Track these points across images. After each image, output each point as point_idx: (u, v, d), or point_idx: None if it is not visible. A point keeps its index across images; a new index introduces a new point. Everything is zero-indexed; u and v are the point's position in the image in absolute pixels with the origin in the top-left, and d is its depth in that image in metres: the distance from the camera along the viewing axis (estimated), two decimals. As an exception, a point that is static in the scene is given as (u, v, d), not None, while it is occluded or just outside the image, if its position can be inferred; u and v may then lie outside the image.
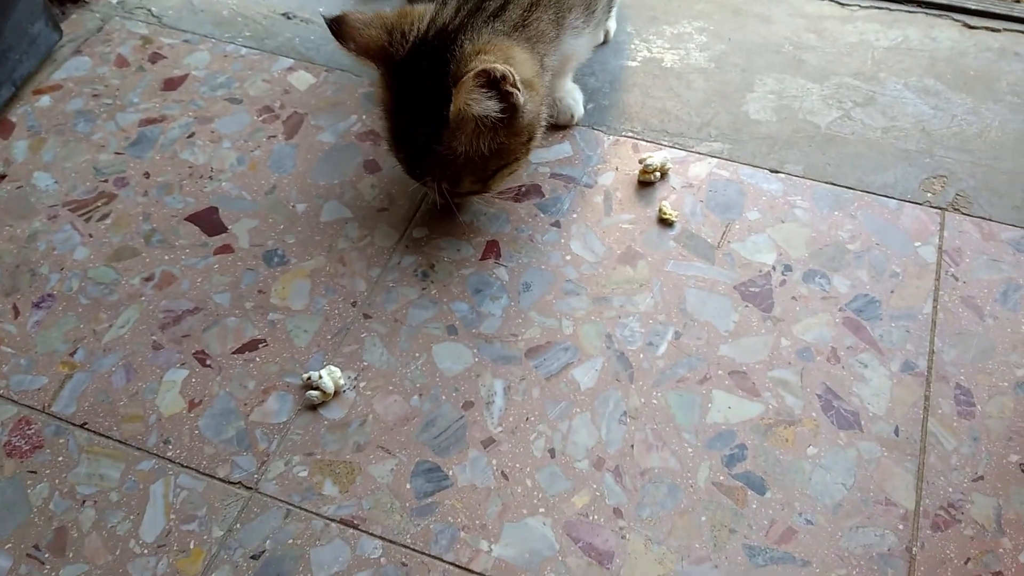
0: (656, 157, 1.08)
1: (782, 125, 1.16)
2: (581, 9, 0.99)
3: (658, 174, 1.07)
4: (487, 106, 0.85)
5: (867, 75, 1.23)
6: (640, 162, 1.08)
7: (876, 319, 0.94)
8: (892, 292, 0.97)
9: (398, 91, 0.91)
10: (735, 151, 1.12)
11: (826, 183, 1.08)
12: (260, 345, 0.95)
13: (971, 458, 0.85)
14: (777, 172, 1.09)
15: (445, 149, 0.89)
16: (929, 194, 1.06)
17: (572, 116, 1.14)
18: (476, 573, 0.79)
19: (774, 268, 0.99)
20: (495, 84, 0.84)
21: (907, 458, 0.85)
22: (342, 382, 0.90)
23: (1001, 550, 0.80)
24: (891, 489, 0.83)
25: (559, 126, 1.14)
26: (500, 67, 0.83)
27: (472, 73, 0.82)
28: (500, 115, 0.86)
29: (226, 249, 1.03)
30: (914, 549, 0.80)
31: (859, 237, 1.02)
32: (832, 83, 1.22)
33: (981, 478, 0.83)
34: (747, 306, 0.96)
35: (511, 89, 0.85)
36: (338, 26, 0.88)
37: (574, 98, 1.14)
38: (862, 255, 1.00)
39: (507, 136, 0.90)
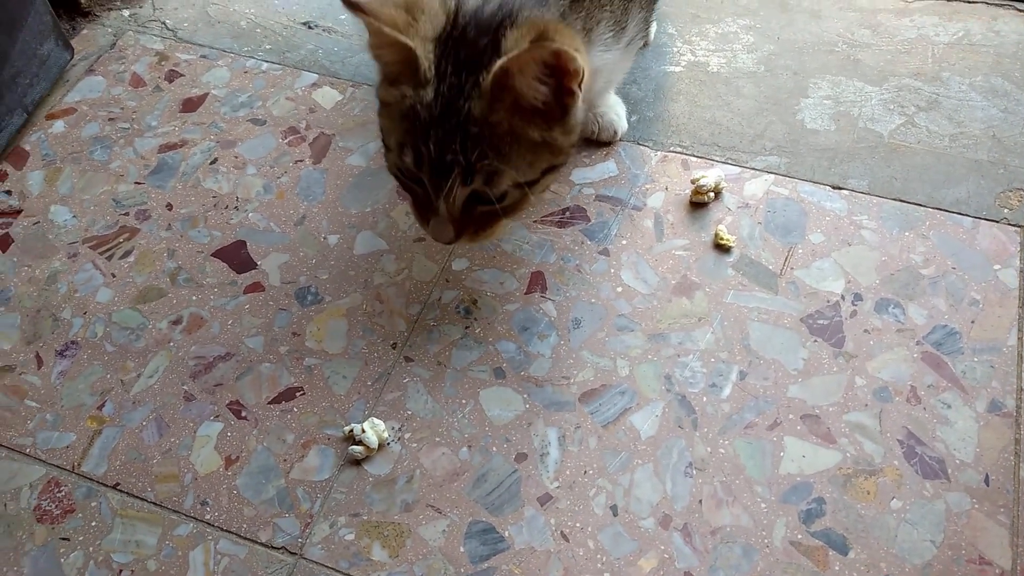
0: (709, 175, 1.01)
1: (841, 135, 1.08)
2: (610, 24, 0.89)
3: (712, 194, 1.00)
4: (535, 87, 0.74)
5: (929, 75, 1.15)
6: (692, 182, 1.01)
7: (957, 353, 0.88)
8: (973, 322, 0.90)
9: (436, 70, 0.76)
10: (793, 166, 1.05)
11: (894, 200, 1.00)
12: (297, 394, 0.89)
13: (1069, 509, 0.78)
14: (840, 188, 1.02)
15: (486, 128, 0.75)
16: (1006, 210, 0.99)
17: (615, 132, 1.07)
18: (540, 647, 0.74)
19: (843, 297, 0.92)
20: (556, 71, 0.73)
21: (1000, 510, 0.79)
22: (386, 435, 0.85)
23: (1106, 611, 0.74)
24: (984, 546, 0.77)
25: (601, 143, 1.07)
26: (579, 60, 0.72)
27: (551, 45, 0.70)
28: (541, 104, 0.76)
29: (256, 287, 0.98)
30: (1010, 611, 0.74)
31: (933, 260, 0.95)
32: (892, 85, 1.14)
33: (1081, 531, 0.77)
34: (816, 341, 0.89)
35: (575, 88, 0.75)
36: (358, 3, 0.75)
37: (617, 112, 1.07)
38: (938, 281, 0.93)
39: (562, 133, 0.79)
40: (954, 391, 0.85)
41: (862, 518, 0.79)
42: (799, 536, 0.78)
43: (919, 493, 0.80)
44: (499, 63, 0.72)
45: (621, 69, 1.00)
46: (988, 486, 0.80)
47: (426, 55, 0.76)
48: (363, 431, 0.84)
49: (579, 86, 0.75)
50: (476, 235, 0.83)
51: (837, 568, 0.76)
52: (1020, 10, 1.25)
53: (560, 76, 0.74)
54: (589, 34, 0.85)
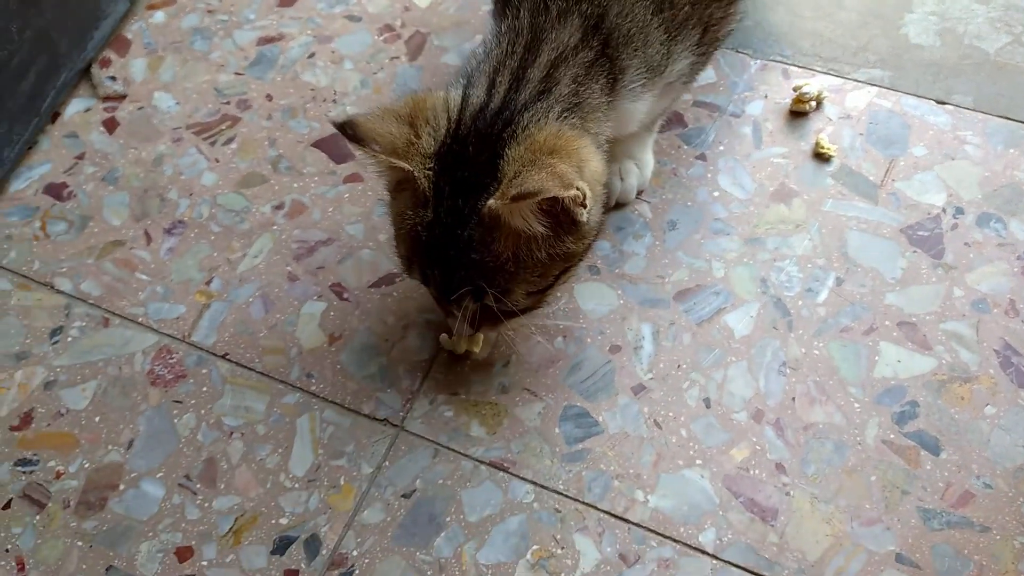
0: (812, 84, 1.00)
1: (946, 50, 1.06)
2: (640, 70, 0.79)
3: (814, 103, 0.99)
4: (533, 227, 0.69)
5: (1040, -6, 1.11)
6: (794, 89, 1.00)
7: (1060, 269, 0.87)
8: (1077, 240, 0.89)
9: (435, 190, 0.72)
10: (896, 79, 1.03)
11: (999, 117, 0.99)
12: (397, 280, 0.92)
13: None
14: (944, 103, 1.00)
15: (488, 255, 0.71)
16: (1118, 131, 0.97)
17: (611, 199, 0.93)
18: (633, 523, 0.77)
19: (944, 210, 0.92)
20: (556, 204, 0.68)
21: (1095, 421, 0.79)
22: (477, 345, 0.85)
23: None
24: (1077, 454, 0.78)
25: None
26: (572, 193, 0.66)
27: (534, 199, 0.66)
28: (546, 232, 0.70)
29: (355, 178, 1.00)
30: (1100, 518, 0.75)
31: (1039, 178, 0.93)
32: (999, 3, 1.11)
33: None
34: (915, 252, 0.89)
35: (576, 210, 0.69)
36: (352, 130, 0.71)
37: (630, 181, 0.94)
38: (1043, 198, 0.92)
39: (574, 240, 0.73)
40: (1055, 306, 0.85)
41: (955, 422, 0.80)
42: (891, 436, 0.79)
43: (1014, 401, 0.80)
44: (489, 205, 0.68)
45: (652, 113, 0.87)
46: (1085, 398, 0.80)
47: (424, 174, 0.71)
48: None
49: (583, 205, 0.68)
50: (495, 328, 0.79)
51: (928, 467, 0.78)
52: None
53: (559, 207, 0.68)
54: (614, 84, 0.78)
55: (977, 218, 0.91)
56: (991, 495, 0.76)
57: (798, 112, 1.00)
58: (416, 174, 0.71)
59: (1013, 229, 0.90)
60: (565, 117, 0.73)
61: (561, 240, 0.72)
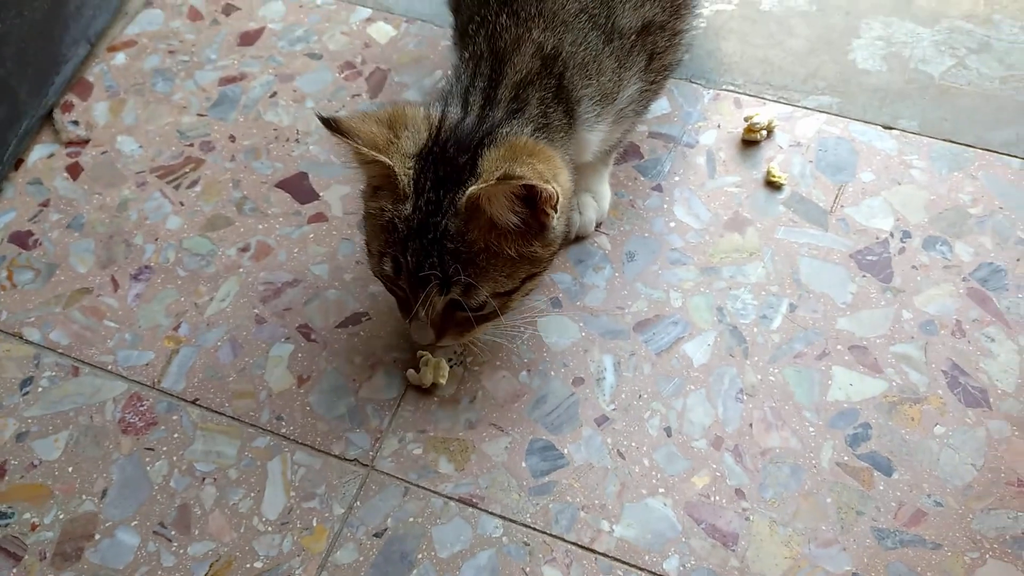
0: (762, 114, 1.03)
1: (893, 75, 1.09)
2: (595, 99, 0.83)
3: (764, 132, 1.02)
4: (507, 215, 0.74)
5: (980, 17, 1.15)
6: (745, 119, 1.03)
7: (1002, 289, 0.91)
8: (1018, 260, 0.92)
9: (415, 186, 0.76)
10: (844, 105, 1.06)
11: (943, 140, 1.02)
12: (363, 319, 0.94)
13: (1106, 438, 0.82)
14: (891, 128, 1.04)
15: (462, 244, 0.75)
16: (1055, 152, 1.01)
17: (568, 230, 0.93)
18: (600, 553, 0.79)
19: (892, 235, 0.95)
20: (530, 200, 0.73)
21: (1038, 437, 0.82)
22: (444, 376, 0.88)
23: None
24: (1023, 469, 0.81)
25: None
26: (550, 188, 0.71)
27: (518, 182, 0.70)
28: (518, 227, 0.75)
29: (319, 218, 1.01)
30: (1045, 531, 0.78)
31: (981, 200, 0.97)
32: (943, 27, 1.14)
33: (1116, 459, 0.81)
34: (865, 276, 0.92)
35: (548, 211, 0.74)
36: (336, 125, 0.75)
37: (588, 214, 0.96)
38: (985, 220, 0.95)
39: (541, 246, 0.78)
40: (998, 325, 0.89)
41: (906, 443, 0.83)
42: (845, 458, 0.82)
43: (961, 420, 0.84)
44: (469, 191, 0.72)
45: (607, 141, 0.90)
46: (1028, 415, 0.83)
47: (405, 171, 0.76)
48: (426, 364, 0.88)
49: (554, 208, 0.74)
50: (459, 335, 0.82)
51: (881, 488, 0.81)
52: (1072, -49, 1.25)
53: (533, 203, 0.73)
54: (572, 115, 0.82)
55: (923, 241, 0.95)
56: (942, 513, 0.79)
57: (750, 141, 1.03)
58: (396, 170, 0.75)
59: (958, 251, 0.94)
60: (537, 136, 0.79)
61: (529, 242, 0.77)
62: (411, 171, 0.76)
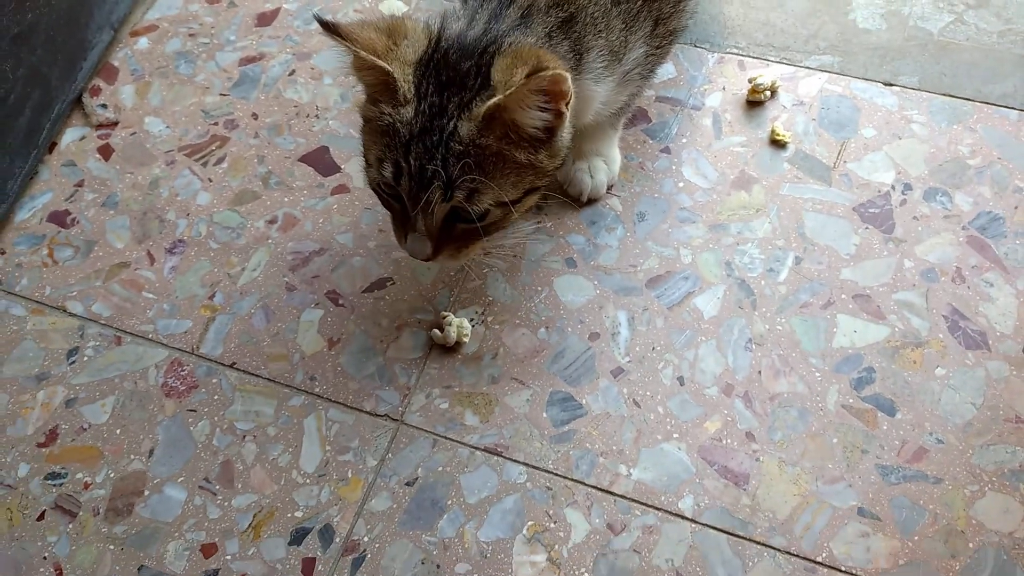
0: (766, 75, 1.06)
1: (892, 33, 1.12)
2: (603, 52, 0.84)
3: (768, 93, 1.06)
4: (535, 116, 0.75)
5: (979, -27, 1.17)
6: (749, 81, 1.06)
7: (1000, 237, 0.94)
8: (1016, 208, 0.96)
9: (416, 90, 0.77)
10: (846, 64, 1.09)
11: (943, 95, 1.05)
12: (388, 283, 0.98)
13: (1100, 374, 0.86)
14: (891, 85, 1.07)
15: (473, 148, 0.75)
16: (1052, 103, 1.03)
17: (581, 192, 0.99)
18: (618, 495, 0.84)
19: (893, 188, 0.99)
20: (552, 96, 0.74)
21: (1035, 376, 0.86)
22: (466, 335, 0.92)
23: None
24: (1021, 407, 0.85)
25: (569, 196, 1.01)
26: (569, 82, 0.72)
27: (548, 76, 0.71)
28: (537, 131, 0.77)
29: (342, 189, 1.06)
30: (1042, 463, 0.82)
31: (980, 152, 1.00)
32: (943, -16, 1.17)
33: (1111, 394, 0.85)
34: (867, 228, 0.96)
35: (564, 110, 0.75)
36: (335, 28, 0.75)
37: (593, 175, 0.99)
38: (984, 170, 0.99)
39: (548, 156, 0.79)
40: (996, 271, 0.92)
41: (908, 384, 0.87)
42: (851, 400, 0.87)
43: (961, 362, 0.88)
44: (495, 100, 0.72)
45: (613, 103, 0.92)
46: (1026, 355, 0.87)
47: (405, 77, 0.76)
48: (449, 324, 0.92)
49: (566, 106, 0.75)
50: (456, 253, 0.82)
51: (885, 428, 0.85)
52: (1073, -95, 1.26)
53: (554, 99, 0.74)
54: (580, 60, 0.83)
55: (924, 193, 0.98)
56: (943, 449, 0.83)
57: (754, 102, 1.06)
58: (396, 75, 0.76)
59: (958, 201, 0.97)
60: (551, 39, 0.80)
61: (538, 150, 0.78)
62: (411, 77, 0.76)
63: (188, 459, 0.89)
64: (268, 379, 0.93)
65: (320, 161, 1.08)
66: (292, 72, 1.17)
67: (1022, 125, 1.01)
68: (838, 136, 1.03)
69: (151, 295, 1.00)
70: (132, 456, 0.90)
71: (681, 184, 1.02)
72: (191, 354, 0.96)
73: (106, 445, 0.91)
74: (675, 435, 0.87)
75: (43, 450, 0.91)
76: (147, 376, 0.95)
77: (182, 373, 0.94)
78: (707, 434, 0.86)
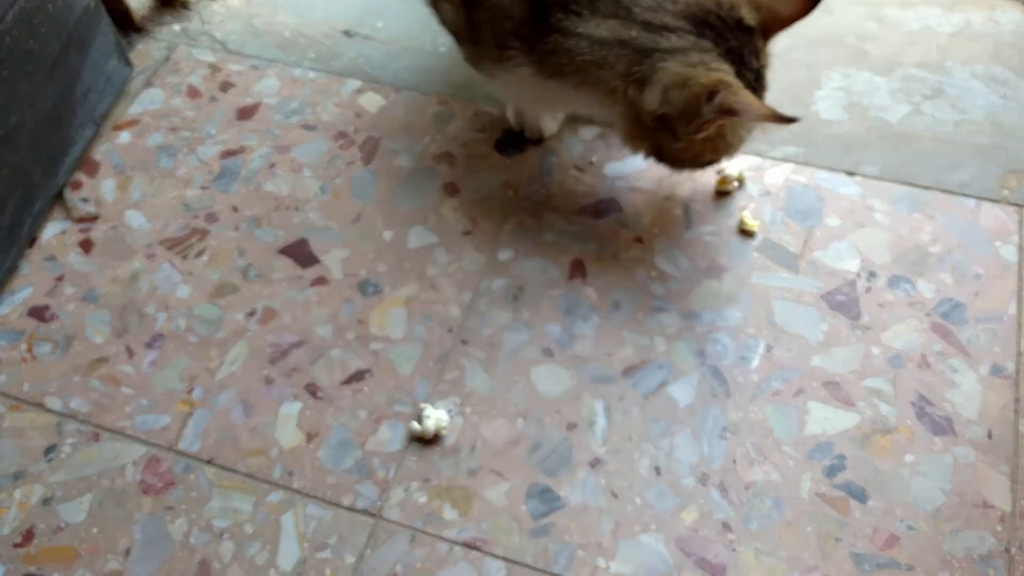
0: (733, 166, 1.10)
1: (854, 124, 1.17)
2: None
3: (736, 183, 1.09)
4: None
5: (933, 65, 1.23)
6: (717, 172, 1.10)
7: (963, 323, 0.97)
8: (976, 294, 0.99)
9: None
10: (810, 154, 1.13)
11: (903, 184, 1.09)
12: (366, 375, 0.99)
13: (1065, 458, 0.88)
14: (853, 175, 1.11)
15: None
16: (1006, 190, 1.08)
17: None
18: (597, 591, 0.84)
19: (859, 275, 1.02)
20: None
21: (1001, 461, 0.88)
22: (444, 427, 0.94)
23: (1098, 547, 0.83)
24: (988, 492, 0.86)
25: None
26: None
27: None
28: None
29: (321, 281, 1.07)
30: (1012, 550, 0.83)
31: (940, 239, 1.04)
32: (898, 75, 1.22)
33: (1076, 478, 0.87)
34: (835, 315, 0.99)
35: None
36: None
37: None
38: (944, 257, 1.02)
39: None
40: (960, 357, 0.95)
41: (879, 471, 0.88)
42: (823, 488, 0.88)
43: (929, 448, 0.89)
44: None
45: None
46: (991, 440, 0.89)
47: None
48: (427, 416, 0.93)
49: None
50: None
51: (857, 515, 0.86)
52: (1017, -1, 1.34)
53: None
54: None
55: (888, 280, 1.01)
56: (914, 536, 0.85)
57: (723, 192, 1.10)
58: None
59: (921, 288, 1.00)
60: None
61: None
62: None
63: (165, 559, 0.89)
64: (246, 475, 0.93)
65: (299, 253, 1.10)
66: (272, 165, 1.19)
67: (979, 213, 1.05)
68: (804, 225, 1.06)
69: (130, 390, 1.00)
70: (109, 556, 0.89)
71: (654, 273, 1.04)
72: (169, 450, 0.96)
73: (83, 545, 0.90)
74: (653, 526, 0.87)
75: (20, 551, 0.90)
76: (125, 473, 0.94)
77: (160, 470, 0.94)
78: (684, 524, 0.87)
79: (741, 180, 1.10)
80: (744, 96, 0.83)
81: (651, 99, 0.87)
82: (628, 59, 0.88)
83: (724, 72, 0.85)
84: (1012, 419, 0.91)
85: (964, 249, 1.03)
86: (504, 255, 1.08)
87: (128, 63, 1.32)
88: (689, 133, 0.87)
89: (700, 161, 0.95)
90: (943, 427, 0.90)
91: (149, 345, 1.03)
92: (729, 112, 0.83)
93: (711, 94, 0.83)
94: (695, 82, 0.84)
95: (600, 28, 0.88)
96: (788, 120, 0.83)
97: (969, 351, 0.95)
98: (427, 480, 0.92)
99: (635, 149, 0.96)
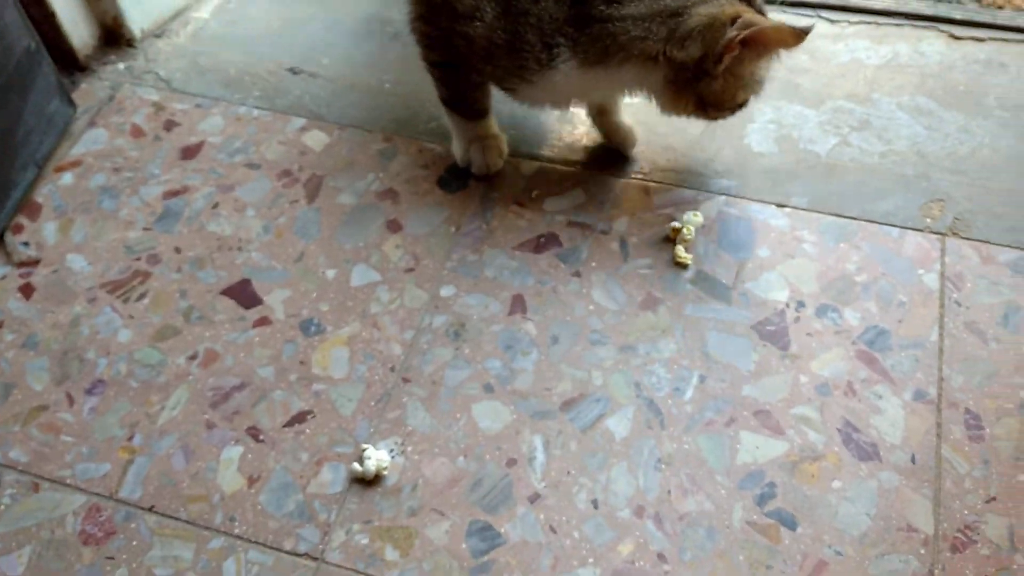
0: (685, 217, 1.11)
1: (784, 156, 1.20)
2: None
3: (687, 231, 1.11)
4: None
5: (861, 97, 1.28)
6: (674, 232, 1.11)
7: (887, 350, 1.00)
8: (900, 322, 1.02)
9: None
10: (742, 187, 1.17)
11: (831, 215, 1.13)
12: (308, 417, 1.00)
13: (983, 480, 0.91)
14: (784, 206, 1.14)
15: None
16: (928, 219, 1.12)
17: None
18: (536, 626, 0.85)
19: (788, 305, 1.05)
20: None
21: (924, 484, 0.91)
22: (385, 468, 0.95)
23: (1015, 566, 0.86)
24: (911, 516, 0.89)
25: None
26: None
27: None
28: None
29: (264, 322, 1.08)
30: (936, 571, 0.86)
31: (866, 268, 1.07)
32: (828, 107, 1.27)
33: (994, 499, 0.90)
34: (765, 345, 1.02)
35: None
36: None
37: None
38: (870, 286, 1.06)
39: None
40: (884, 383, 0.98)
41: (808, 498, 0.91)
42: (755, 516, 0.90)
43: (855, 474, 0.92)
44: None
45: None
46: (914, 464, 0.92)
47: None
48: (368, 457, 0.94)
49: None
50: None
51: (787, 542, 0.89)
52: (942, 31, 1.39)
53: None
54: None
55: (816, 309, 1.04)
56: (841, 562, 0.87)
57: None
58: None
59: (847, 317, 1.03)
60: None
61: None
62: None
63: (104, 610, 0.88)
64: (187, 521, 0.93)
65: (242, 294, 1.11)
66: (215, 205, 1.20)
67: (903, 242, 1.09)
68: (736, 257, 1.09)
69: (70, 438, 1.00)
70: (47, 609, 0.89)
71: (592, 307, 1.07)
72: (109, 499, 0.95)
73: (20, 598, 0.89)
74: (590, 560, 0.89)
75: (-46, 607, 0.89)
76: (65, 524, 0.94)
77: (100, 519, 0.94)
78: (621, 557, 0.89)
79: (691, 232, 1.11)
80: (759, 17, 0.97)
81: (692, 48, 0.98)
82: (666, 24, 0.98)
83: (742, 7, 0.99)
84: (934, 443, 0.94)
85: (889, 277, 1.06)
86: (446, 291, 1.10)
87: (71, 103, 1.32)
88: (723, 67, 0.99)
89: (736, 102, 1.05)
90: (869, 453, 0.93)
91: (89, 391, 1.03)
92: (749, 30, 0.95)
93: (733, 20, 0.96)
94: (721, 15, 0.97)
95: (639, 6, 0.99)
96: (801, 33, 0.96)
97: (893, 377, 0.98)
98: (368, 521, 0.93)
99: (678, 109, 1.06)
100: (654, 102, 1.07)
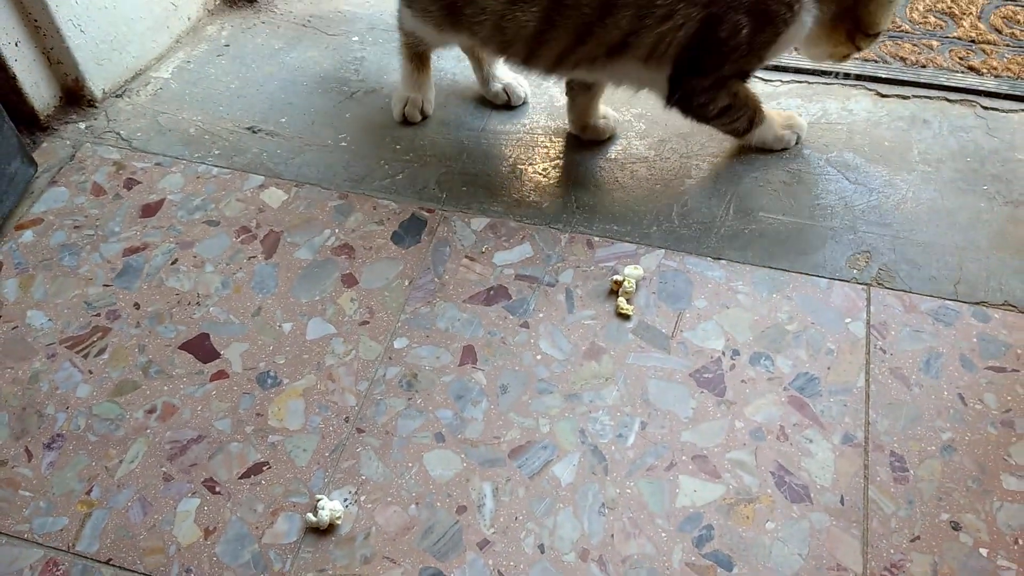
0: (626, 270, 1.17)
1: (721, 211, 1.27)
2: None
3: (628, 284, 1.16)
4: None
5: (792, 152, 1.35)
6: (616, 284, 1.17)
7: (817, 395, 1.06)
8: (829, 368, 1.09)
9: None
10: (680, 241, 1.23)
11: (763, 266, 1.19)
12: (264, 468, 1.03)
13: (908, 520, 0.97)
14: (719, 259, 1.21)
15: None
16: (855, 270, 1.19)
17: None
18: (484, 670, 0.88)
19: (724, 353, 1.10)
20: None
21: (853, 525, 0.96)
22: (339, 517, 0.98)
23: (938, 600, 0.91)
24: (841, 555, 0.94)
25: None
26: None
27: None
28: None
29: (221, 375, 1.11)
30: (865, 606, 0.91)
31: (796, 317, 1.14)
32: (760, 163, 1.34)
33: (918, 538, 0.95)
34: (703, 392, 1.07)
35: None
36: None
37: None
38: (800, 335, 1.12)
39: None
40: (815, 428, 1.04)
41: (743, 539, 0.96)
42: (693, 558, 0.95)
43: (788, 515, 0.97)
44: None
45: None
46: (843, 505, 0.98)
47: None
48: (322, 508, 0.98)
49: None
50: None
51: (725, 583, 0.93)
52: (870, 89, 1.48)
53: None
54: None
55: (750, 357, 1.10)
56: (775, 600, 0.92)
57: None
58: None
59: (779, 364, 1.09)
60: None
61: None
62: None
63: (59, 665, 0.90)
64: (144, 574, 0.95)
65: (200, 348, 1.14)
66: (175, 261, 1.23)
67: (831, 292, 1.16)
68: (675, 307, 1.15)
69: (28, 493, 1.02)
70: (1, 665, 0.90)
71: (539, 357, 1.11)
72: (67, 552, 0.97)
73: (-26, 656, 0.90)
74: (537, 604, 0.93)
75: (-94, 666, 0.90)
76: (20, 579, 0.95)
77: (57, 573, 0.96)
78: (566, 601, 0.92)
79: (632, 284, 1.17)
80: None
81: None
82: None
83: None
84: (862, 485, 0.99)
85: (818, 327, 1.13)
86: (399, 343, 1.14)
87: (32, 163, 1.35)
88: None
89: (884, 26, 1.20)
90: (800, 495, 0.99)
91: (48, 446, 1.05)
92: None
93: None
94: None
95: None
96: None
97: (823, 422, 1.04)
98: (322, 570, 0.95)
99: (831, 43, 1.22)
100: (804, 47, 1.25)
